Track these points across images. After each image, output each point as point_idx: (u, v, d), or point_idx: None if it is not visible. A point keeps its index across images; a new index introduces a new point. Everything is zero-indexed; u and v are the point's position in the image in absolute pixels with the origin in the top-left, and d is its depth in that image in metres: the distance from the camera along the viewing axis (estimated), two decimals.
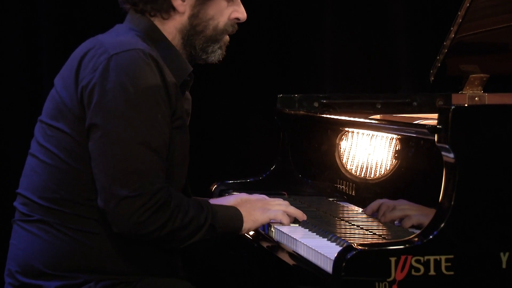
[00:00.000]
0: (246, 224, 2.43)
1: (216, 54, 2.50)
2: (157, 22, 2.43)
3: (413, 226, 2.37)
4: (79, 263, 2.32)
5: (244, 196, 2.54)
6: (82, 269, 2.32)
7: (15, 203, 2.43)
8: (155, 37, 2.41)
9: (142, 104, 2.25)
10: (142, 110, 2.25)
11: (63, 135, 2.33)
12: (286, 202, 2.56)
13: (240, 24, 3.22)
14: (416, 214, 2.38)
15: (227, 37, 2.51)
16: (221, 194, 3.06)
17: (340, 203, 2.85)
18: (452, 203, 2.07)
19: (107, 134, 2.25)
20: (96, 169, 2.27)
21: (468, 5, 2.62)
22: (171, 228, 2.28)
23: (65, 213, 2.32)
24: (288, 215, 2.50)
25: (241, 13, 2.50)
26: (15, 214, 2.42)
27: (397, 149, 2.57)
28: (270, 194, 2.64)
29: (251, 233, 2.63)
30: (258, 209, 2.47)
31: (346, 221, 2.57)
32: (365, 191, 2.73)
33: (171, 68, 2.37)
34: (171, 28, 2.44)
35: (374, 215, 2.56)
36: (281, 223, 2.49)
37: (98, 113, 2.25)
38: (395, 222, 2.45)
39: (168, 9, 2.42)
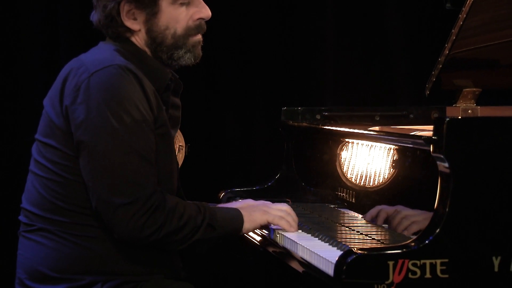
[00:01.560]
0: (246, 224, 2.42)
1: (185, 58, 2.45)
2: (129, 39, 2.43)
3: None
4: (83, 265, 2.31)
5: (249, 201, 2.54)
6: (87, 271, 2.31)
7: (20, 217, 2.43)
8: (131, 51, 2.40)
9: (125, 115, 2.25)
10: (126, 122, 2.25)
11: (54, 150, 2.33)
12: (288, 208, 2.54)
13: (248, 44, 3.24)
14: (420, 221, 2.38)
15: (196, 38, 2.45)
16: (228, 201, 3.06)
17: (341, 209, 2.84)
18: (447, 210, 2.07)
19: (96, 149, 2.25)
20: (90, 183, 2.27)
21: (461, 23, 2.62)
22: (167, 230, 2.27)
23: (64, 221, 2.32)
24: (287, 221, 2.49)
25: (203, 13, 2.44)
26: (20, 227, 2.42)
27: (394, 158, 2.57)
28: (275, 201, 2.63)
29: (258, 238, 2.63)
30: (258, 211, 2.46)
31: (347, 227, 2.57)
32: (365, 198, 2.72)
33: (150, 77, 2.36)
34: (139, 44, 2.43)
35: (373, 221, 2.56)
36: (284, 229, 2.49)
37: (85, 130, 2.26)
38: (387, 226, 2.45)
39: (126, 30, 2.41)
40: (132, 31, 2.41)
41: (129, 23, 2.40)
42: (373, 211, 2.56)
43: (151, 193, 2.26)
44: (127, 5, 2.38)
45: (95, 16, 2.44)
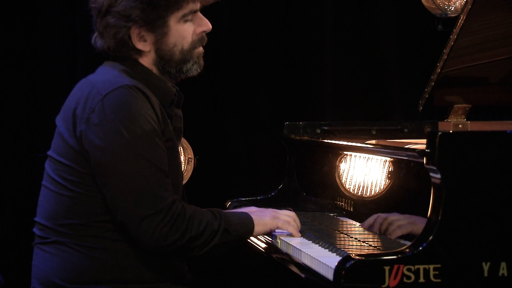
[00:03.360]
0: (257, 227, 2.41)
1: (193, 70, 2.44)
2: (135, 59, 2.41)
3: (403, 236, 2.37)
4: (94, 275, 2.30)
5: (256, 208, 2.53)
6: (98, 280, 2.30)
7: (34, 229, 2.41)
8: (137, 70, 2.39)
9: (139, 131, 2.25)
10: (141, 137, 2.25)
11: (67, 167, 2.32)
12: (293, 214, 2.54)
13: (254, 63, 3.19)
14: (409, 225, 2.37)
15: (200, 50, 2.44)
16: (234, 209, 3.05)
17: (340, 218, 2.83)
18: (439, 218, 2.06)
19: (117, 167, 2.24)
20: (113, 199, 2.26)
21: (452, 44, 2.62)
22: (189, 236, 2.27)
23: (76, 235, 2.31)
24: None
25: (205, 26, 2.43)
26: (35, 238, 2.41)
27: (390, 170, 2.56)
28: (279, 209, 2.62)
29: (262, 244, 2.62)
30: (268, 216, 2.45)
31: (345, 234, 2.56)
32: (362, 207, 2.71)
33: (156, 94, 2.35)
34: (146, 64, 2.41)
35: (370, 228, 2.55)
36: (289, 235, 2.48)
37: (103, 151, 2.24)
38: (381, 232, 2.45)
39: (136, 52, 2.39)
40: (141, 52, 2.39)
41: (140, 46, 2.38)
42: (370, 219, 2.56)
43: (171, 202, 2.25)
44: (138, 28, 2.35)
45: (99, 42, 2.39)
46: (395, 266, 2.02)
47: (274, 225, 2.45)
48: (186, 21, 2.39)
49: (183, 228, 2.25)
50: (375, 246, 2.35)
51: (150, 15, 2.33)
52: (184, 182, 3.45)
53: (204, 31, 2.44)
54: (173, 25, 2.38)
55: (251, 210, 2.48)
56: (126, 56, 2.39)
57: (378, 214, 2.53)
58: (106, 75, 2.36)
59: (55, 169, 2.35)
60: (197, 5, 2.40)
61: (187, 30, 2.40)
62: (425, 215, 2.10)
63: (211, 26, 2.44)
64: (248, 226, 2.40)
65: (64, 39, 3.74)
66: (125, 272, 2.31)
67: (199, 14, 2.43)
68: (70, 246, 2.31)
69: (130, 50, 2.38)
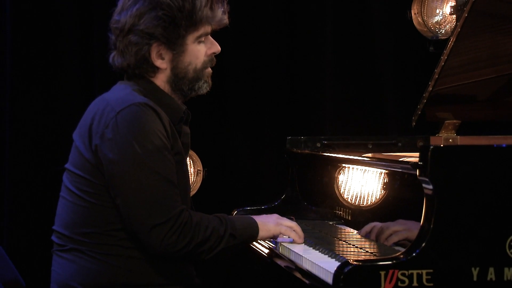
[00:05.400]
0: (261, 232, 2.40)
1: (203, 88, 2.44)
2: (148, 78, 2.41)
3: (398, 243, 2.36)
4: (108, 280, 2.29)
5: (260, 216, 2.52)
6: (111, 284, 2.29)
7: (52, 237, 2.41)
8: (149, 89, 2.38)
9: (150, 145, 2.24)
10: (151, 150, 2.24)
11: (83, 180, 2.31)
12: (295, 224, 2.53)
13: (258, 82, 3.18)
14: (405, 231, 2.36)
15: (209, 70, 2.45)
16: None
17: (339, 226, 2.82)
18: (431, 226, 2.05)
19: (129, 179, 2.23)
20: (126, 208, 2.25)
21: (442, 64, 2.62)
22: (196, 242, 2.26)
23: (92, 242, 2.30)
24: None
25: (215, 48, 2.44)
26: (53, 246, 2.40)
27: (385, 181, 2.55)
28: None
29: (265, 250, 2.61)
30: (271, 222, 2.44)
31: (344, 241, 2.55)
32: (359, 216, 2.70)
33: (166, 111, 2.35)
34: (160, 81, 2.40)
35: (367, 236, 2.54)
36: (291, 242, 2.47)
37: (116, 164, 2.24)
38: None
39: (153, 69, 2.38)
40: (157, 70, 2.39)
41: (158, 63, 2.38)
42: (367, 227, 2.55)
43: (179, 212, 2.25)
44: (158, 46, 2.35)
45: (119, 60, 2.39)
46: (390, 271, 2.01)
47: (277, 231, 2.44)
48: (200, 42, 2.40)
49: (190, 235, 2.25)
50: (371, 252, 2.34)
51: (171, 34, 2.34)
52: (193, 192, 3.47)
53: (214, 53, 2.44)
54: (189, 45, 2.38)
55: (256, 216, 2.47)
56: (142, 75, 2.39)
57: (375, 223, 2.52)
58: (120, 93, 2.36)
59: (72, 181, 2.34)
60: (209, 29, 2.42)
61: (200, 51, 2.41)
62: (417, 223, 2.10)
63: (220, 49, 2.45)
64: (253, 230, 2.39)
65: (82, 62, 3.75)
66: (137, 276, 2.30)
67: (210, 37, 2.44)
68: (86, 253, 2.30)
69: (149, 66, 2.37)
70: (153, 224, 2.22)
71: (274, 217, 2.48)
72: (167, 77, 2.41)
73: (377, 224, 2.49)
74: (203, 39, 2.40)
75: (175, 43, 2.35)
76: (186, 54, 2.38)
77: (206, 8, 2.36)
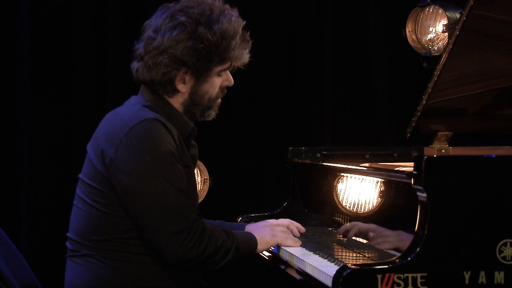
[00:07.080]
0: (260, 246, 2.40)
1: (211, 115, 2.44)
2: (164, 97, 2.38)
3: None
4: (118, 284, 2.28)
5: (254, 225, 2.51)
6: None
7: (66, 243, 2.40)
8: (160, 105, 2.36)
9: (163, 159, 2.23)
10: (165, 163, 2.23)
11: (95, 190, 2.30)
12: (288, 223, 2.53)
13: (261, 97, 3.17)
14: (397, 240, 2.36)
15: (219, 100, 2.44)
16: None
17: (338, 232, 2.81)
18: (426, 232, 2.05)
19: (145, 191, 2.22)
20: (143, 219, 2.23)
21: (435, 79, 2.62)
22: (208, 252, 2.25)
23: (103, 249, 2.29)
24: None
25: (229, 81, 2.43)
26: (67, 252, 2.39)
27: (381, 190, 2.55)
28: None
29: (268, 254, 2.60)
30: (268, 235, 2.44)
31: (342, 246, 2.54)
32: None
33: (176, 126, 2.34)
34: (175, 102, 2.38)
35: (345, 235, 2.55)
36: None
37: (131, 177, 2.23)
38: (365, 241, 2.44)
39: (173, 91, 2.36)
40: (177, 92, 2.37)
41: (180, 86, 2.35)
42: (347, 225, 2.56)
43: (193, 221, 2.24)
44: (185, 72, 2.33)
45: (143, 72, 2.35)
46: (387, 275, 2.01)
47: (274, 242, 2.45)
48: (219, 75, 2.40)
49: (204, 244, 2.24)
50: (369, 257, 2.34)
51: (202, 65, 2.32)
52: (200, 200, 3.46)
53: (227, 85, 2.44)
54: (212, 76, 2.37)
55: (250, 228, 2.46)
56: (161, 92, 2.37)
57: (356, 222, 2.53)
58: (132, 108, 2.35)
59: (85, 191, 2.33)
60: (229, 64, 2.40)
61: (218, 83, 2.40)
62: (412, 229, 2.09)
63: (233, 82, 2.44)
64: (252, 245, 2.39)
65: (96, 77, 3.75)
66: (146, 281, 2.29)
67: (228, 71, 2.43)
68: (97, 258, 2.30)
69: (170, 88, 2.35)
70: (172, 232, 2.21)
71: (268, 228, 2.46)
72: (183, 99, 2.38)
73: (358, 224, 2.49)
74: (223, 72, 2.40)
75: (202, 74, 2.34)
76: (206, 84, 2.37)
77: (239, 49, 2.35)
